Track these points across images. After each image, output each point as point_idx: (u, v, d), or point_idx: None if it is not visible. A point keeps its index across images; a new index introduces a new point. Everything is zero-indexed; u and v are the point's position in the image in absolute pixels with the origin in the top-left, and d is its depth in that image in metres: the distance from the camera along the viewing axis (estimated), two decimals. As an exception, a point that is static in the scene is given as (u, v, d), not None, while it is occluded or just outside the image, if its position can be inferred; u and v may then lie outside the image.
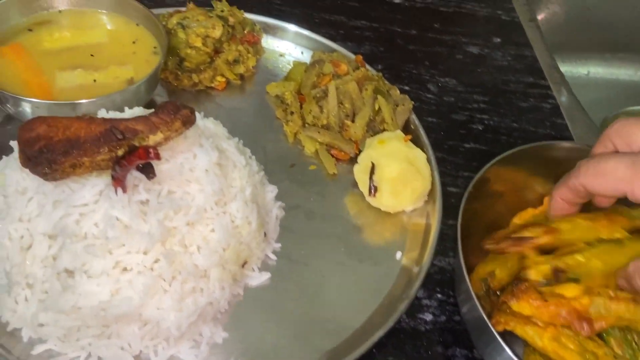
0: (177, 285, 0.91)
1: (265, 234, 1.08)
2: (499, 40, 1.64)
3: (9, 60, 1.15)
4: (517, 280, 0.97)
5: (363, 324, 1.01)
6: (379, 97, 1.25)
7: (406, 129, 1.28)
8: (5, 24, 1.18)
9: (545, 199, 1.16)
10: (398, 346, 1.01)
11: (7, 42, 1.17)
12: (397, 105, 1.29)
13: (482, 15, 1.71)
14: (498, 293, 0.98)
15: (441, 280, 1.11)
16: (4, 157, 1.05)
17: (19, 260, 0.91)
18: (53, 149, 0.88)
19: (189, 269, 0.92)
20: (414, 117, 1.29)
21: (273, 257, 1.08)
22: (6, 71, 1.13)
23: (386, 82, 1.33)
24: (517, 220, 1.14)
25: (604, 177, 0.83)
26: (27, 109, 1.08)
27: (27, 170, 0.93)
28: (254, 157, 1.18)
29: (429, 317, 1.06)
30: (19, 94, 1.06)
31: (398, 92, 1.31)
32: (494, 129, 1.40)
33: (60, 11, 1.24)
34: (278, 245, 1.09)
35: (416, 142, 1.23)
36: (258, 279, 1.04)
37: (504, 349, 0.82)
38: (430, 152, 1.22)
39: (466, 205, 1.00)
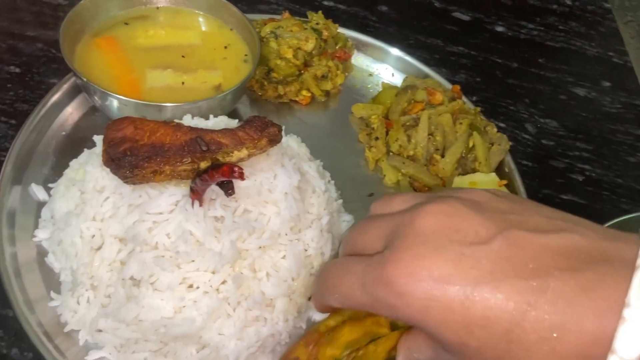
0: (241, 312, 0.86)
1: (336, 266, 1.01)
2: (608, 84, 1.50)
3: (102, 52, 1.14)
4: None
5: None
6: (475, 133, 1.16)
7: (499, 171, 1.18)
8: (104, 15, 1.18)
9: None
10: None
11: (102, 34, 1.17)
12: (492, 144, 1.19)
13: (592, 54, 1.58)
14: None
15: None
16: (85, 150, 1.04)
17: (87, 260, 0.89)
18: (137, 153, 0.85)
19: (255, 296, 0.87)
20: (509, 159, 1.19)
21: (341, 292, 1.01)
22: (98, 63, 1.12)
23: (483, 118, 1.23)
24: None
25: (345, 300, 0.64)
26: (114, 104, 1.06)
27: (107, 169, 0.91)
28: (332, 182, 1.11)
29: None
30: (107, 88, 1.05)
31: (495, 130, 1.21)
32: (595, 182, 1.27)
33: (158, 8, 1.23)
34: (348, 280, 1.02)
35: (509, 187, 1.12)
36: (322, 314, 0.97)
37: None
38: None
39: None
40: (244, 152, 0.88)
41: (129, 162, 0.85)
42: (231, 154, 0.87)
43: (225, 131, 0.90)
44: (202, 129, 0.89)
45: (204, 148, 0.86)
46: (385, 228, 0.63)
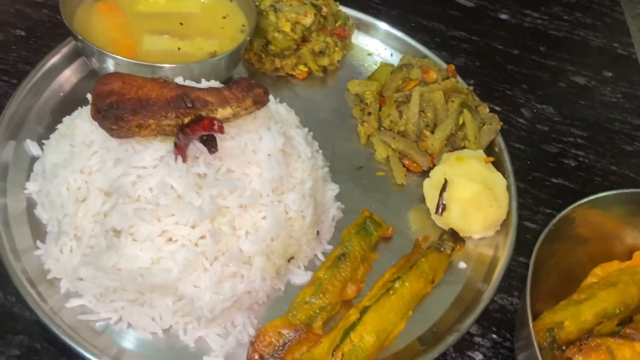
0: (218, 267, 0.87)
1: (317, 233, 1.02)
2: (610, 74, 1.49)
3: (102, 16, 1.16)
4: (588, 335, 0.86)
5: (404, 348, 0.93)
6: (465, 111, 1.16)
7: (489, 150, 1.18)
8: (107, -18, 1.20)
9: (636, 254, 1.02)
10: (439, 382, 0.91)
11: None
12: (483, 124, 1.19)
13: (595, 45, 1.57)
14: (563, 348, 0.87)
15: (500, 319, 1.00)
16: (79, 108, 1.07)
17: (72, 210, 0.91)
18: (123, 106, 0.87)
19: (233, 252, 0.88)
20: (500, 139, 1.19)
21: (322, 258, 1.02)
22: (98, 26, 1.15)
23: (476, 97, 1.23)
24: (599, 271, 1.02)
25: None
26: (110, 65, 1.09)
27: (96, 124, 0.93)
28: (321, 151, 1.12)
29: (478, 356, 0.95)
30: (105, 50, 1.07)
31: (487, 110, 1.21)
32: (588, 168, 1.26)
33: (160, -23, 1.25)
34: (329, 247, 1.03)
35: (498, 166, 1.12)
36: (302, 277, 0.98)
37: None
38: (512, 179, 1.12)
39: (543, 245, 0.89)
40: (228, 111, 0.90)
41: (114, 114, 0.87)
42: (215, 111, 0.89)
43: (211, 90, 0.91)
44: (188, 87, 0.91)
45: (189, 104, 0.88)
46: None
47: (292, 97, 1.28)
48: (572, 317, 0.90)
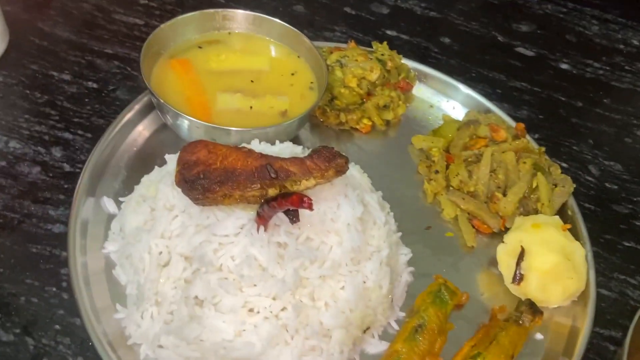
0: (299, 340, 0.87)
1: (391, 300, 1.01)
2: (677, 129, 1.45)
3: (176, 74, 1.19)
4: None
5: None
6: (539, 174, 1.14)
7: (561, 213, 1.15)
8: (180, 38, 1.23)
9: None
10: None
11: (178, 56, 1.22)
12: (555, 185, 1.17)
13: (660, 97, 1.54)
14: None
15: (582, 397, 0.97)
16: (156, 167, 1.08)
17: (154, 276, 0.92)
18: (210, 177, 0.88)
19: (313, 325, 0.88)
20: (573, 202, 1.16)
21: (395, 326, 1.00)
22: (172, 84, 1.17)
23: (547, 158, 1.21)
24: None
25: None
26: (184, 124, 1.10)
27: (177, 189, 0.94)
28: (392, 213, 1.11)
29: None
30: (180, 109, 1.09)
31: (559, 171, 1.19)
32: (661, 231, 1.23)
33: (229, 33, 1.27)
34: (402, 315, 1.02)
35: (572, 231, 1.10)
36: (376, 346, 0.97)
37: None
38: (589, 247, 1.09)
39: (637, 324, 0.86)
40: (311, 182, 0.90)
41: (201, 185, 0.88)
42: (299, 182, 0.89)
43: (293, 160, 0.92)
44: (271, 156, 0.92)
45: (273, 175, 0.89)
46: None
47: (356, 151, 1.28)
48: None
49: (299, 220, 0.90)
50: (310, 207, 0.82)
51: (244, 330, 0.86)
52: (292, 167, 0.90)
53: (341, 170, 0.92)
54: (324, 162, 0.91)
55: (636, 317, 0.88)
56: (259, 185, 0.88)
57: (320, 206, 0.94)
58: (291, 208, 0.87)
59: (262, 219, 0.89)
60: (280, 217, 0.91)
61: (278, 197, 0.86)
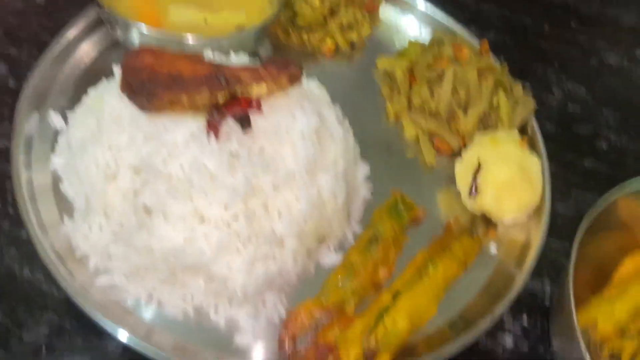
0: (251, 248, 0.86)
1: (348, 214, 1.01)
2: (643, 53, 1.45)
3: (127, -15, 1.12)
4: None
5: (434, 332, 0.92)
6: (500, 92, 1.12)
7: (521, 132, 1.15)
8: (130, -51, 1.15)
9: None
10: (470, 366, 0.91)
11: (128, -33, 1.15)
12: (516, 104, 1.16)
13: (628, 24, 1.52)
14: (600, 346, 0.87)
15: (530, 304, 0.99)
16: (104, 79, 1.04)
17: (101, 187, 0.89)
18: (156, 81, 0.84)
19: (266, 233, 0.87)
20: (533, 121, 1.16)
21: (351, 239, 1.00)
22: (122, -4, 1.10)
23: (509, 76, 1.19)
24: (631, 263, 1.00)
25: None
26: (135, 35, 1.05)
27: (124, 99, 0.90)
28: (351, 130, 1.09)
29: (508, 342, 0.95)
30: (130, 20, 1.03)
31: (521, 90, 1.18)
32: (621, 151, 1.24)
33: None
34: (359, 228, 1.01)
35: (530, 149, 1.10)
36: (332, 258, 0.97)
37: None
38: (546, 163, 1.09)
39: (583, 232, 0.87)
40: (263, 88, 0.87)
41: (147, 89, 0.84)
42: (250, 89, 0.86)
43: (245, 67, 0.88)
44: (222, 65, 0.88)
45: (223, 83, 0.85)
46: None
47: (319, 73, 1.23)
48: (605, 315, 0.89)
49: (250, 127, 0.88)
50: (259, 108, 0.80)
51: (194, 238, 0.84)
52: (243, 74, 0.87)
53: (295, 79, 0.90)
54: (277, 69, 0.88)
55: (581, 228, 0.89)
56: (208, 93, 0.85)
57: (275, 117, 0.91)
58: (241, 113, 0.84)
59: (212, 127, 0.86)
60: (232, 126, 0.88)
61: (227, 101, 0.82)
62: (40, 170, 0.98)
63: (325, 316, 0.87)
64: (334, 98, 1.10)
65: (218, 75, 0.85)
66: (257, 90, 0.86)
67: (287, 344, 0.85)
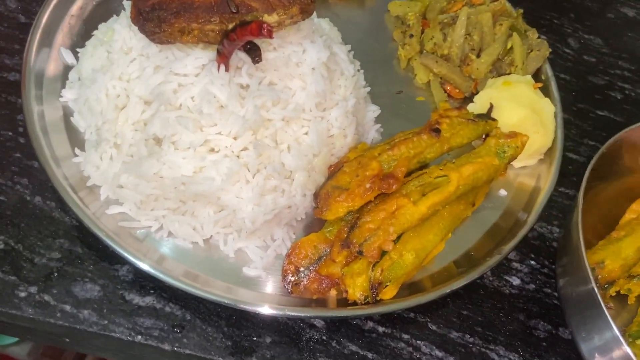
0: (260, 179, 0.86)
1: (357, 153, 1.01)
2: (661, 6, 1.41)
3: None
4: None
5: (441, 269, 0.92)
6: (515, 35, 1.11)
7: (535, 78, 1.13)
8: None
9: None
10: (475, 302, 0.92)
11: None
12: (530, 50, 1.14)
13: (647, -25, 1.48)
14: (605, 286, 0.87)
15: (539, 247, 0.99)
16: (114, 15, 1.03)
17: (111, 117, 0.89)
18: (166, 8, 0.83)
19: (275, 165, 0.87)
20: (547, 67, 1.14)
21: (360, 178, 1.00)
22: None
23: (524, 22, 1.17)
24: (637, 207, 1.00)
25: None
26: (146, -28, 1.03)
27: (135, 30, 0.90)
28: (362, 71, 1.08)
29: (515, 281, 0.95)
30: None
31: (536, 35, 1.15)
32: (634, 102, 1.22)
33: None
34: (368, 168, 1.01)
35: (544, 94, 1.08)
36: (340, 197, 0.97)
37: (610, 327, 0.71)
38: (559, 107, 1.08)
39: (590, 174, 0.86)
40: (274, 17, 0.86)
41: (157, 16, 0.83)
42: (260, 17, 0.85)
43: (256, -5, 0.87)
44: (233, -9, 0.87)
45: (234, 9, 0.84)
46: None
47: (330, 17, 1.22)
48: (612, 255, 0.89)
49: (261, 59, 0.87)
50: (270, 34, 0.79)
51: (204, 166, 0.84)
52: (254, 2, 0.85)
53: (306, 9, 0.88)
54: (288, -1, 0.87)
55: (588, 169, 0.88)
56: (218, 19, 0.84)
57: (285, 50, 0.91)
58: (252, 41, 0.83)
59: (222, 57, 0.85)
60: (242, 58, 0.87)
61: (236, 27, 0.82)
62: (52, 104, 0.98)
63: (329, 248, 0.88)
64: (345, 42, 1.08)
65: (229, 3, 0.84)
66: (268, 19, 0.85)
67: (289, 275, 0.86)
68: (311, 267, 0.87)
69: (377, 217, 0.84)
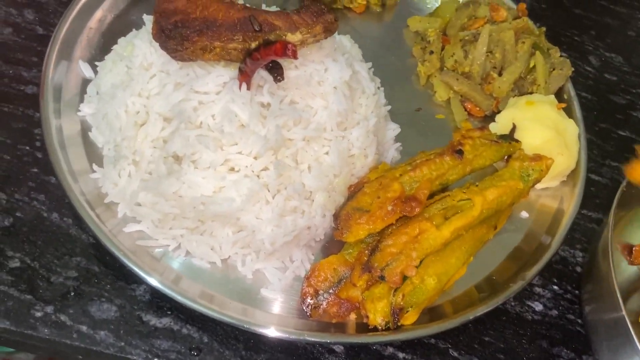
0: (280, 200, 0.84)
1: (377, 173, 0.99)
2: (684, 24, 1.40)
3: None
4: None
5: (462, 294, 0.91)
6: (537, 53, 1.09)
7: (557, 97, 1.11)
8: None
9: None
10: (497, 328, 0.90)
11: None
12: (553, 69, 1.12)
13: (669, -7, 1.46)
14: None
15: (562, 271, 0.97)
16: (134, 30, 1.02)
17: (130, 134, 0.88)
18: (188, 26, 0.82)
19: (295, 186, 0.85)
20: (570, 86, 1.12)
21: (380, 198, 0.98)
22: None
23: (547, 40, 1.16)
24: None
25: None
26: (166, -14, 1.03)
27: (155, 46, 0.89)
28: (382, 88, 1.07)
29: (538, 307, 0.93)
30: (161, -30, 1.01)
31: (558, 54, 1.14)
32: (657, 122, 1.20)
33: None
34: (388, 188, 1.00)
35: (567, 113, 1.06)
36: (359, 217, 0.95)
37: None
38: (582, 128, 1.06)
39: (620, 199, 0.85)
40: (297, 37, 0.85)
41: (179, 33, 0.82)
42: (284, 36, 0.84)
43: (279, 13, 0.86)
44: (255, 9, 0.86)
45: (257, 28, 0.83)
46: None
47: (349, 32, 1.21)
48: None
49: (283, 78, 0.86)
50: (294, 55, 0.78)
51: (224, 186, 0.83)
52: (277, 21, 0.85)
53: (330, 28, 0.87)
54: (312, 17, 0.86)
55: (619, 193, 0.86)
56: (241, 38, 0.83)
57: (307, 68, 0.90)
58: (275, 60, 0.82)
59: (244, 75, 0.84)
60: (264, 76, 0.86)
61: (260, 46, 0.81)
62: (69, 117, 0.97)
63: (349, 271, 0.86)
64: (364, 58, 1.07)
65: (252, 21, 0.83)
66: (292, 38, 0.84)
67: (309, 298, 0.84)
68: (331, 291, 0.86)
69: (399, 241, 0.83)
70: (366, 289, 0.83)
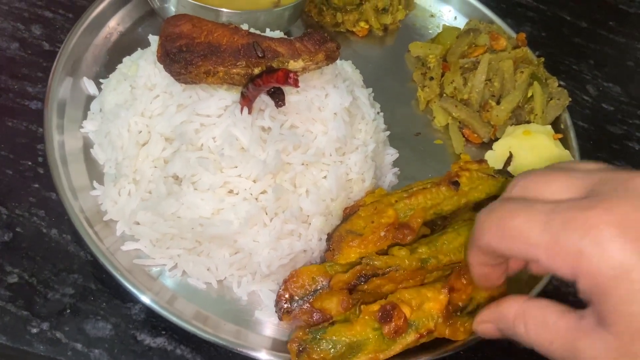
0: (277, 223, 0.85)
1: (374, 197, 1.00)
2: (681, 55, 1.42)
3: (165, -45, 1.11)
4: None
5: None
6: (535, 83, 1.11)
7: (554, 127, 1.13)
8: None
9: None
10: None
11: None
12: (550, 99, 1.14)
13: (668, 24, 1.49)
14: None
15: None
16: (139, 49, 1.04)
17: (132, 153, 0.89)
18: (193, 50, 0.84)
19: (293, 210, 0.87)
20: (567, 116, 1.14)
21: (376, 223, 0.99)
22: (160, -34, 1.10)
23: (545, 70, 1.18)
24: None
25: (511, 239, 0.58)
26: (171, 6, 1.05)
27: (159, 67, 0.90)
28: (382, 113, 1.09)
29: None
30: (167, -10, 1.03)
31: (556, 84, 1.16)
32: (653, 153, 1.22)
33: None
34: (384, 212, 1.01)
35: (563, 144, 1.08)
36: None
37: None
38: (578, 158, 1.07)
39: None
40: (299, 64, 0.86)
41: (184, 58, 0.84)
42: (286, 63, 0.85)
43: (282, 40, 0.87)
44: (259, 35, 0.88)
45: (260, 54, 0.84)
46: (583, 181, 0.58)
47: (351, 55, 1.23)
48: None
49: (284, 103, 0.87)
50: (296, 84, 0.79)
51: (222, 209, 0.84)
52: (280, 48, 0.86)
53: (332, 56, 0.88)
54: (314, 45, 0.87)
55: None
56: (244, 63, 0.84)
57: (308, 94, 0.91)
58: (276, 86, 0.83)
59: (246, 100, 0.86)
60: (265, 101, 0.87)
61: (263, 73, 0.82)
62: (72, 133, 0.98)
63: (327, 282, 0.85)
64: (364, 81, 1.09)
65: (255, 47, 0.84)
66: (294, 65, 0.85)
67: (283, 302, 0.84)
68: (305, 298, 0.85)
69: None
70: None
